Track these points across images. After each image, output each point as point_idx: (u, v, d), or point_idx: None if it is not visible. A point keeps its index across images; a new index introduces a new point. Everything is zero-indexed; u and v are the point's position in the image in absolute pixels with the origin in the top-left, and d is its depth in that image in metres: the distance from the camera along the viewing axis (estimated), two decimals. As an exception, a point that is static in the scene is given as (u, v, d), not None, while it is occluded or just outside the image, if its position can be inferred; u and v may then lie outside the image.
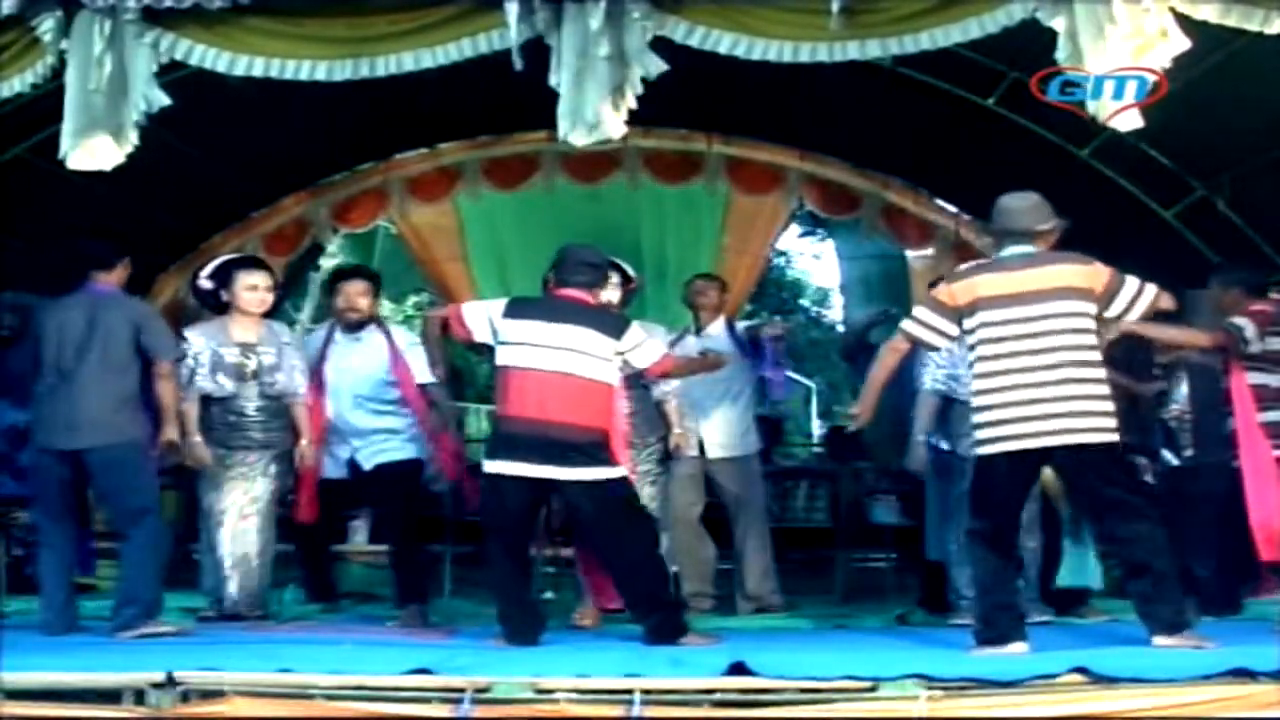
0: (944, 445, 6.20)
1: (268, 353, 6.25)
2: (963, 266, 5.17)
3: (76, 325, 5.50)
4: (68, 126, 5.41)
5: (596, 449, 5.23)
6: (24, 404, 7.27)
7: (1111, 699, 3.95)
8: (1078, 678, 4.04)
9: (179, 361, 5.95)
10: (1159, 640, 4.63)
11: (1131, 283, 4.88)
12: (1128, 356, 6.01)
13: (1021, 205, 4.98)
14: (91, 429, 5.41)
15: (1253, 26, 5.07)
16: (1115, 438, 4.81)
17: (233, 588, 6.13)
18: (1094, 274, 4.86)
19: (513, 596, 5.31)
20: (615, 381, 5.39)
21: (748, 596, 6.88)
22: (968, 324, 4.88)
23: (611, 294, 6.09)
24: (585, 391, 5.25)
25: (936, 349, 5.31)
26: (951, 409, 6.09)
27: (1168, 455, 7.10)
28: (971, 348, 4.91)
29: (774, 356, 6.91)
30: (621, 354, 5.36)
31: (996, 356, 4.80)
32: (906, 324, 5.04)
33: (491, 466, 5.25)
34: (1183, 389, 6.70)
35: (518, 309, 5.41)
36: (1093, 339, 4.82)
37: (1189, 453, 6.52)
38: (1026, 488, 5.04)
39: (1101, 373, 4.81)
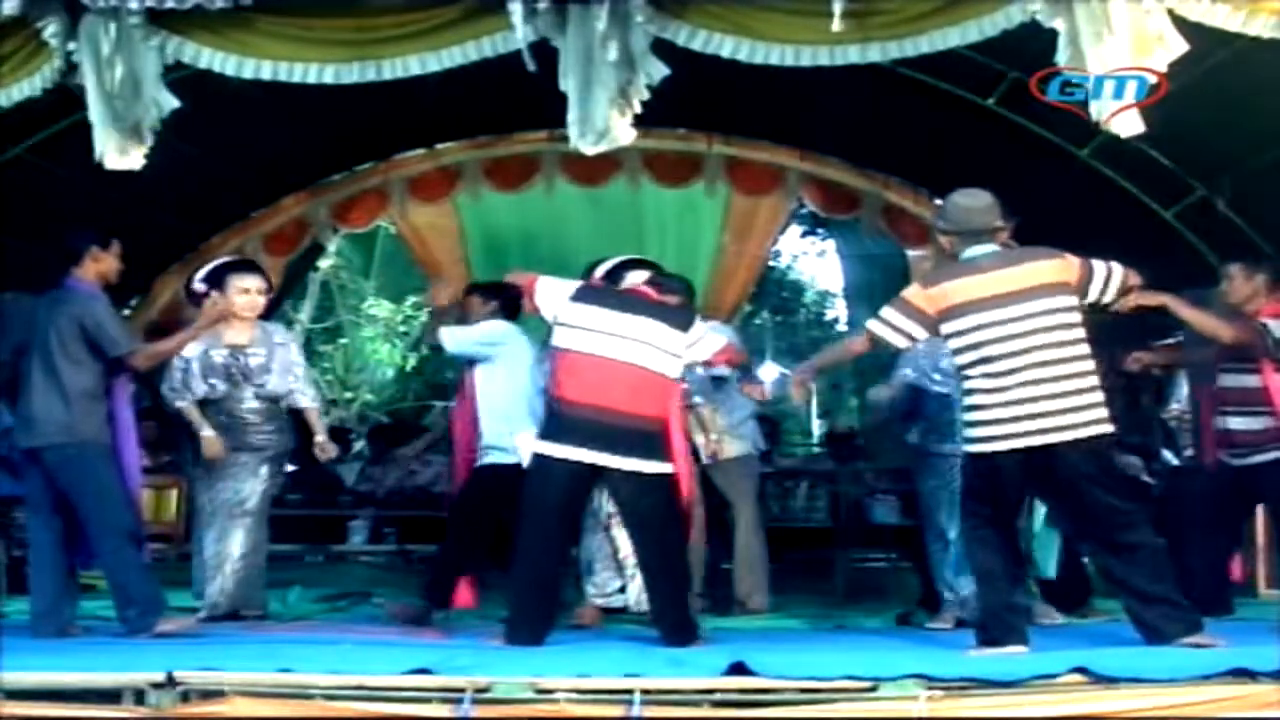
0: (916, 440, 6.18)
1: (257, 354, 6.25)
2: (934, 271, 5.08)
3: (31, 323, 5.48)
4: (97, 128, 5.44)
5: (653, 441, 5.24)
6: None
7: (1111, 699, 3.95)
8: (1078, 678, 4.04)
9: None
10: (1183, 641, 4.59)
11: (1100, 266, 4.86)
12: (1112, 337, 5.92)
13: (980, 203, 4.92)
14: (42, 428, 5.40)
15: (1251, 31, 5.07)
16: (1110, 428, 4.77)
17: (214, 588, 6.12)
18: (1066, 266, 4.82)
19: (531, 587, 5.26)
20: (677, 376, 5.42)
21: (733, 598, 6.91)
22: (947, 328, 4.82)
23: None
24: (649, 383, 5.26)
25: (898, 349, 5.24)
26: (924, 402, 6.08)
27: (1168, 455, 7.11)
28: (956, 352, 4.85)
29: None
30: (689, 346, 5.39)
31: (985, 360, 4.74)
32: (872, 324, 4.98)
33: (545, 448, 5.24)
34: (1183, 389, 6.70)
35: (588, 294, 5.43)
36: (1078, 331, 4.78)
37: (1189, 452, 6.52)
38: (1026, 485, 4.98)
39: (1089, 364, 4.76)
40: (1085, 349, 4.77)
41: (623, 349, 5.24)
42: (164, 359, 6.01)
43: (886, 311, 4.95)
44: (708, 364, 5.76)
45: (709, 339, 5.51)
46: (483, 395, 6.32)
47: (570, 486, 5.23)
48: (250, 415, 6.25)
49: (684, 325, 5.39)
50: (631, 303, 5.41)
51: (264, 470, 6.25)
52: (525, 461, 5.49)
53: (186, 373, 6.21)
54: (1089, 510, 4.81)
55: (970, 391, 4.81)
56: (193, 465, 6.34)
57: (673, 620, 5.26)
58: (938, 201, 9.00)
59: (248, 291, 6.33)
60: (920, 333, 4.91)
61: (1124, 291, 4.92)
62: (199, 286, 6.36)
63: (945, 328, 4.83)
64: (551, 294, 5.42)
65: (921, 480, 6.13)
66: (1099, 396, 4.76)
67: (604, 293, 5.57)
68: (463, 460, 6.63)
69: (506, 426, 6.12)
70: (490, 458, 6.26)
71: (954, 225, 4.95)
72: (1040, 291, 4.75)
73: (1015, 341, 4.70)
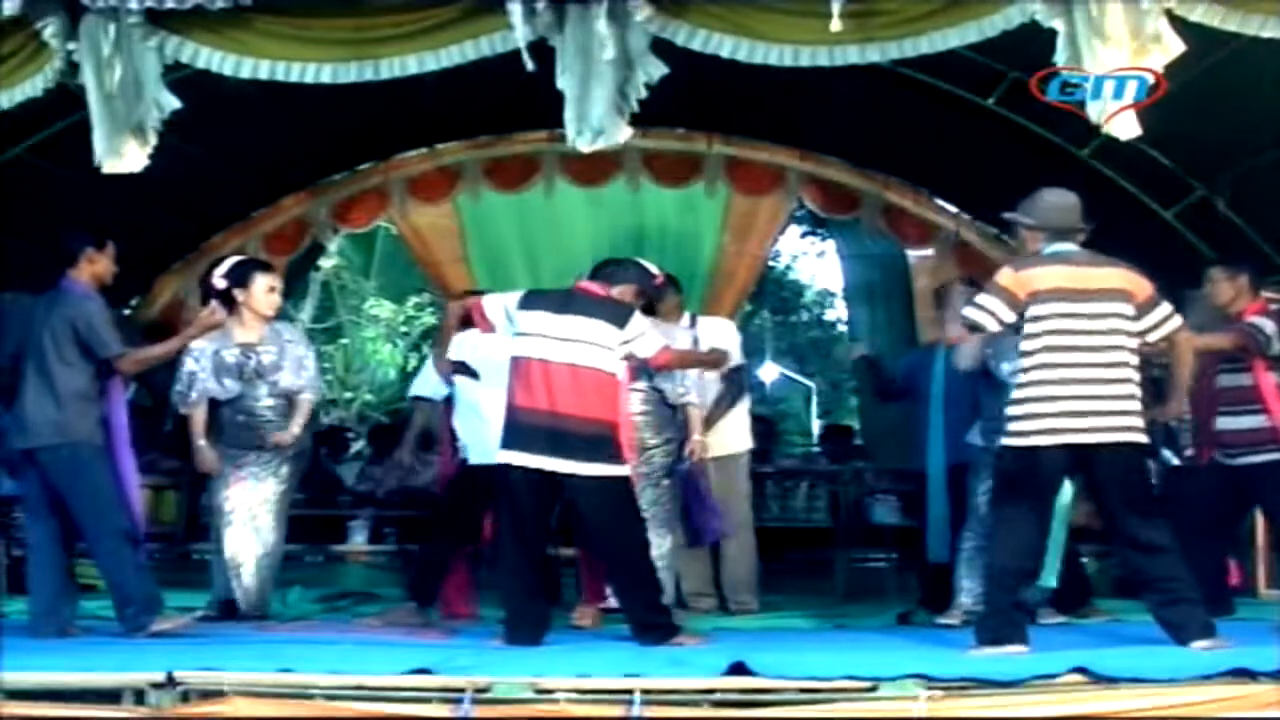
0: (979, 441, 6.15)
1: (268, 351, 6.25)
2: (1022, 259, 5.11)
3: (29, 325, 5.51)
4: (97, 132, 5.41)
5: (602, 443, 5.22)
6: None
7: (1111, 699, 3.95)
8: (1078, 678, 4.05)
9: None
10: (1197, 645, 4.62)
11: (1166, 304, 4.98)
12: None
13: (1071, 203, 5.02)
14: (35, 429, 5.42)
15: (1249, 31, 5.08)
16: (1145, 439, 4.89)
17: (236, 588, 6.13)
18: (1140, 282, 4.94)
19: (519, 592, 5.27)
20: (621, 374, 5.38)
21: (723, 596, 6.91)
22: (1031, 312, 4.86)
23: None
24: (593, 383, 5.24)
25: (988, 332, 5.19)
26: (991, 394, 5.97)
27: (1168, 454, 7.10)
28: (1028, 337, 4.87)
29: (701, 496, 6.57)
30: (625, 343, 5.35)
31: (1056, 349, 4.80)
32: (969, 310, 5.01)
33: (503, 456, 5.26)
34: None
35: (531, 300, 5.45)
36: (1135, 342, 4.89)
37: (1189, 452, 6.52)
38: (1060, 482, 5.00)
39: (1138, 375, 4.87)
40: (1136, 360, 4.88)
41: (563, 351, 5.25)
42: (153, 364, 5.97)
43: (979, 297, 5.02)
44: (649, 364, 5.65)
45: (648, 337, 5.44)
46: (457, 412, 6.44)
47: (530, 491, 5.24)
48: (267, 413, 6.24)
49: (620, 321, 5.35)
50: (572, 302, 5.40)
51: (285, 469, 6.26)
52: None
53: (194, 377, 6.20)
54: (1117, 509, 4.88)
55: (1029, 383, 4.84)
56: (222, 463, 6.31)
57: (640, 620, 5.25)
58: (938, 201, 9.05)
59: (273, 290, 6.36)
60: (1007, 314, 4.91)
61: (1168, 341, 5.01)
62: (220, 283, 6.31)
63: (1030, 312, 4.86)
64: (499, 308, 5.46)
65: (978, 479, 6.07)
66: (1140, 406, 4.85)
67: (547, 296, 5.57)
68: (449, 457, 6.67)
69: (481, 430, 6.12)
70: (470, 457, 6.32)
71: (1041, 222, 5.03)
72: (1116, 295, 4.87)
73: (1086, 338, 4.80)
